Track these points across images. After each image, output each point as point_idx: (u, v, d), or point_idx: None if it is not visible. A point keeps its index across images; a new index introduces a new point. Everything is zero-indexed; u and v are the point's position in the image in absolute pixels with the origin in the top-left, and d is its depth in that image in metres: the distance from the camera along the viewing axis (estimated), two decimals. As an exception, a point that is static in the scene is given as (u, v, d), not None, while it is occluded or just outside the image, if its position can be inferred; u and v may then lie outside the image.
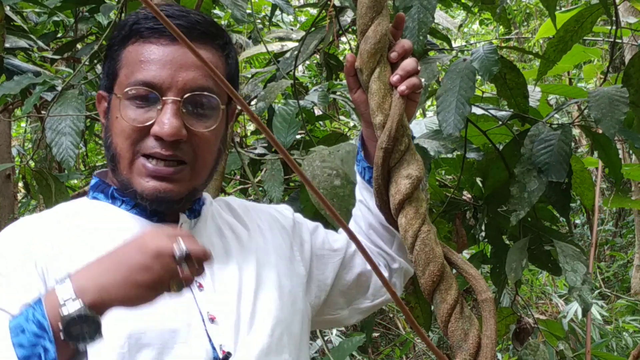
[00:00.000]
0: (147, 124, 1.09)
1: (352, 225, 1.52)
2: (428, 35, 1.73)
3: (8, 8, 2.58)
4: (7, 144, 3.36)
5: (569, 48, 2.03)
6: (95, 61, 2.51)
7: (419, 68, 1.22)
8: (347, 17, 2.40)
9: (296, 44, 2.54)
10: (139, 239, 0.93)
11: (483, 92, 2.53)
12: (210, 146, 1.15)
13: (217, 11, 3.86)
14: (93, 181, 1.22)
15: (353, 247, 1.42)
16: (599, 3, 1.93)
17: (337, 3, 2.19)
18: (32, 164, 4.07)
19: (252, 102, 2.44)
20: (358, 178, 1.42)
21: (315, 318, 1.34)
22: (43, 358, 0.87)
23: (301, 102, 2.32)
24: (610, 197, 3.02)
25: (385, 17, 1.21)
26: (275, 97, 2.23)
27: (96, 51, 2.34)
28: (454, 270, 1.18)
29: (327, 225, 1.52)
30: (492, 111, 2.10)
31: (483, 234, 2.29)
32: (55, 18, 3.22)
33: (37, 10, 3.15)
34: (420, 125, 2.27)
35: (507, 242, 2.25)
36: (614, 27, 2.00)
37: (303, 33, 2.50)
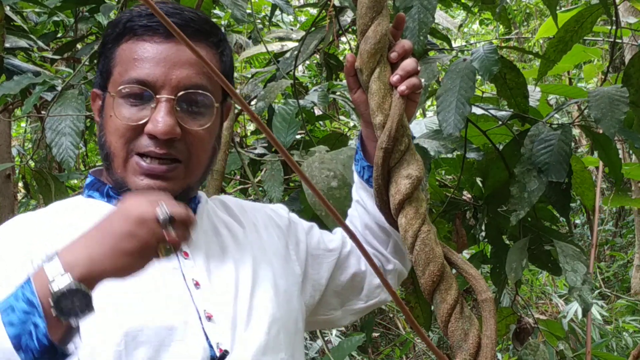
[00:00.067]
0: (141, 122, 1.09)
1: (348, 224, 1.51)
2: (428, 35, 1.73)
3: (8, 8, 2.58)
4: (7, 144, 3.35)
5: (569, 48, 2.02)
6: (95, 61, 2.51)
7: (418, 68, 1.22)
8: (347, 17, 2.40)
9: (296, 44, 2.53)
10: (122, 207, 0.93)
11: (483, 92, 2.53)
12: (204, 144, 1.15)
13: (217, 11, 3.86)
14: (88, 179, 1.22)
15: (348, 247, 1.43)
16: (599, 3, 1.93)
17: (337, 3, 2.19)
18: (32, 164, 4.07)
19: (252, 102, 2.44)
20: (356, 178, 1.42)
21: (309, 318, 1.34)
22: (34, 334, 0.86)
23: (301, 102, 2.32)
24: (610, 197, 3.01)
25: (385, 17, 1.21)
26: (275, 97, 2.23)
27: (96, 51, 2.34)
28: (454, 270, 1.18)
29: (322, 226, 1.52)
30: (492, 111, 2.10)
31: (483, 234, 2.29)
32: (55, 18, 3.22)
33: (37, 10, 3.15)
34: (420, 125, 2.27)
35: (507, 242, 2.25)
36: (614, 27, 2.00)
37: (303, 33, 2.50)
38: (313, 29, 2.29)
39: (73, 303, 0.86)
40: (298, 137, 2.39)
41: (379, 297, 1.46)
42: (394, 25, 1.25)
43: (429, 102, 5.03)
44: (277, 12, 3.94)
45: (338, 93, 2.82)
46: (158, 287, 1.08)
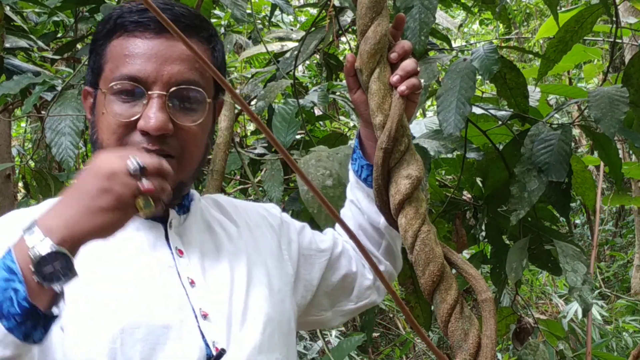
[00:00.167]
0: (133, 118, 1.08)
1: (344, 222, 1.51)
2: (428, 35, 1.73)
3: (8, 8, 2.58)
4: (7, 144, 3.35)
5: (569, 48, 2.02)
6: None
7: (418, 69, 1.22)
8: (347, 17, 2.40)
9: (296, 44, 2.54)
10: (92, 165, 0.91)
11: (483, 92, 2.53)
12: (197, 140, 1.14)
13: (217, 11, 3.85)
14: None
15: (339, 248, 1.43)
16: (599, 3, 1.93)
17: (337, 3, 2.19)
18: (32, 164, 4.07)
19: (252, 102, 2.44)
20: (352, 177, 1.41)
21: (300, 319, 1.34)
22: (14, 299, 0.85)
23: (301, 102, 2.32)
24: (610, 197, 3.02)
25: (385, 18, 1.21)
26: (275, 97, 2.23)
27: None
28: (454, 270, 1.18)
29: (314, 225, 1.52)
30: (492, 111, 2.10)
31: (483, 234, 2.29)
32: (55, 18, 3.22)
33: (37, 10, 3.14)
34: (420, 125, 2.27)
35: (507, 242, 2.25)
36: (614, 27, 2.00)
37: (303, 33, 2.50)
38: (313, 29, 2.29)
39: (54, 268, 0.85)
40: (298, 137, 2.39)
41: (369, 298, 1.46)
42: (394, 25, 1.25)
43: (429, 102, 5.03)
44: (277, 12, 3.94)
45: (338, 93, 2.82)
46: (154, 285, 1.08)
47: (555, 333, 2.53)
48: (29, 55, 2.89)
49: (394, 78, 1.20)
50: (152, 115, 1.07)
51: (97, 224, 0.88)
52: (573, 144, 2.15)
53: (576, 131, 4.49)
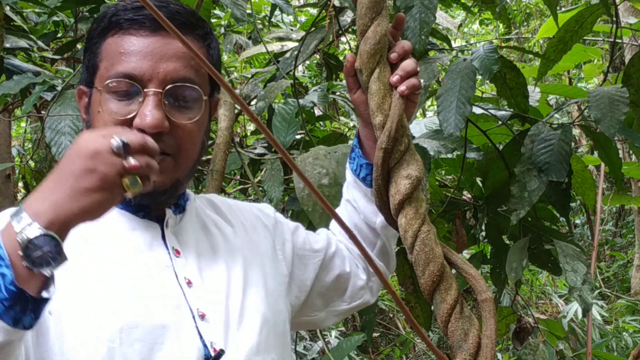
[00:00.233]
0: (129, 116, 1.08)
1: (335, 224, 1.51)
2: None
3: (8, 8, 2.58)
4: (7, 144, 3.35)
5: (569, 48, 2.02)
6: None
7: (418, 69, 1.22)
8: (347, 17, 2.40)
9: (296, 44, 2.54)
10: (75, 145, 0.89)
11: (483, 92, 2.53)
12: (193, 138, 1.14)
13: (217, 11, 3.85)
14: None
15: (332, 248, 1.43)
16: (599, 3, 1.93)
17: (337, 3, 2.19)
18: (32, 164, 4.08)
19: (252, 102, 2.44)
20: (350, 176, 1.41)
21: (293, 320, 1.33)
22: (1, 284, 0.84)
23: (301, 102, 2.32)
24: (610, 196, 3.02)
25: (384, 18, 1.21)
26: (275, 97, 2.23)
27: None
28: (454, 270, 1.18)
29: (308, 225, 1.52)
30: (492, 111, 2.10)
31: (483, 234, 2.29)
32: (55, 18, 3.22)
33: (37, 10, 3.14)
34: (420, 125, 2.27)
35: (507, 242, 2.25)
36: (614, 27, 2.00)
37: (303, 33, 2.50)
38: (313, 29, 2.29)
39: (43, 252, 0.84)
40: (298, 137, 2.39)
41: (362, 298, 1.46)
42: (394, 25, 1.25)
43: (429, 102, 5.03)
44: (277, 12, 3.93)
45: (338, 93, 2.82)
46: (151, 285, 1.08)
47: (555, 333, 2.53)
48: (29, 55, 2.89)
49: (394, 78, 1.20)
50: (148, 112, 1.07)
51: (84, 206, 0.86)
52: (573, 144, 2.15)
53: (576, 131, 4.49)
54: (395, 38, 1.25)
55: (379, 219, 1.37)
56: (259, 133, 2.96)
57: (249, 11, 2.47)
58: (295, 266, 1.35)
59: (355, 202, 1.40)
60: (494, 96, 2.37)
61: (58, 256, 0.85)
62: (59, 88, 2.06)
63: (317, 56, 3.24)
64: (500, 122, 2.07)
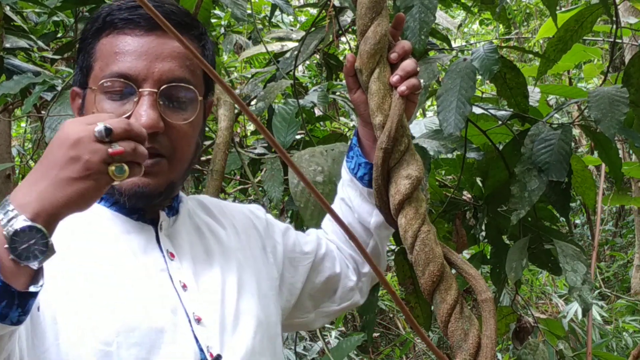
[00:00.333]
0: (124, 117, 1.06)
1: (327, 223, 1.51)
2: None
3: (8, 8, 2.58)
4: (7, 144, 3.35)
5: (569, 47, 2.02)
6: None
7: (418, 69, 1.22)
8: (347, 17, 2.40)
9: (296, 44, 2.53)
10: (58, 134, 0.87)
11: (483, 92, 2.53)
12: (188, 139, 1.13)
13: (217, 11, 3.85)
14: None
15: (323, 250, 1.42)
16: (599, 3, 1.93)
17: (337, 3, 2.19)
18: (32, 164, 4.07)
19: (252, 102, 2.44)
20: (346, 174, 1.40)
21: (283, 322, 1.33)
22: None
23: (301, 102, 2.32)
24: (610, 196, 3.02)
25: (384, 18, 1.21)
26: (275, 97, 2.23)
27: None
28: (454, 270, 1.18)
29: (298, 226, 1.51)
30: (492, 111, 2.10)
31: (483, 234, 2.29)
32: (55, 18, 3.22)
33: (37, 10, 3.14)
34: (420, 125, 2.27)
35: (507, 242, 2.25)
36: (614, 27, 2.00)
37: (303, 33, 2.50)
38: (313, 29, 2.29)
39: (29, 244, 0.82)
40: (298, 137, 2.39)
41: (352, 299, 1.45)
42: (393, 25, 1.25)
43: (429, 102, 5.03)
44: (277, 12, 3.93)
45: (338, 93, 2.82)
46: (147, 289, 1.07)
47: (555, 332, 2.53)
48: (29, 55, 2.89)
49: (394, 78, 1.20)
50: (143, 112, 1.06)
51: (70, 195, 0.84)
52: (573, 144, 2.15)
53: (576, 131, 4.49)
54: (395, 38, 1.25)
55: (373, 219, 1.37)
56: (259, 133, 2.96)
57: (249, 11, 2.47)
58: (286, 269, 1.35)
59: (350, 201, 1.40)
60: (494, 96, 2.37)
61: (45, 248, 0.83)
62: (59, 88, 2.06)
63: (317, 56, 3.24)
64: (500, 122, 2.07)
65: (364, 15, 1.21)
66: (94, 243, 1.09)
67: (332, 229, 1.48)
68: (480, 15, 6.96)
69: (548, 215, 2.22)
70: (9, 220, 0.82)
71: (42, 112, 3.07)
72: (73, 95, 1.18)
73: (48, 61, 3.11)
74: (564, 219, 2.13)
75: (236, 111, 2.25)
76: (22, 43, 2.59)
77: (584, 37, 2.14)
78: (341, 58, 3.12)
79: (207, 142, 2.63)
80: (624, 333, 5.39)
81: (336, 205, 1.45)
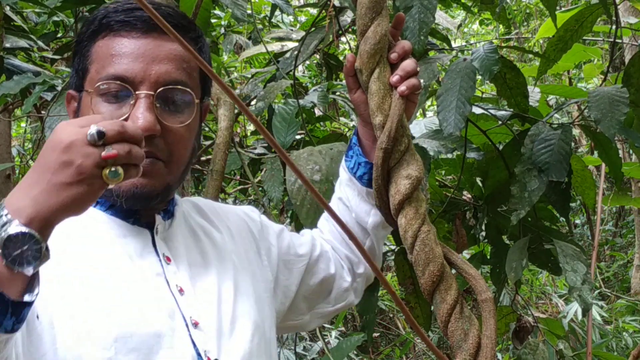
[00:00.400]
0: (121, 119, 1.04)
1: (323, 222, 1.51)
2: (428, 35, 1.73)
3: (8, 8, 2.58)
4: (7, 144, 3.35)
5: (569, 47, 2.02)
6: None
7: (418, 69, 1.22)
8: (347, 17, 2.40)
9: (296, 44, 2.54)
10: (51, 137, 0.85)
11: (483, 92, 2.53)
12: (184, 142, 1.12)
13: (217, 11, 3.85)
14: None
15: (317, 251, 1.41)
16: (599, 3, 1.93)
17: (337, 3, 2.19)
18: (32, 164, 4.07)
19: (252, 102, 2.44)
20: (344, 174, 1.40)
21: (278, 324, 1.32)
22: None
23: (301, 102, 2.32)
24: (610, 197, 3.01)
25: (384, 18, 1.21)
26: (275, 97, 2.23)
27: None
28: (454, 270, 1.18)
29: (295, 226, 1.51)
30: (492, 111, 2.10)
31: (483, 234, 2.29)
32: (55, 18, 3.22)
33: (37, 10, 3.14)
34: (420, 125, 2.27)
35: (507, 242, 2.25)
36: (614, 27, 2.00)
37: (303, 33, 2.50)
38: (313, 29, 2.29)
39: (22, 249, 0.80)
40: (298, 137, 2.39)
41: (347, 300, 1.45)
42: (393, 25, 1.25)
43: (429, 102, 5.03)
44: (277, 12, 3.93)
45: (338, 93, 2.82)
46: (144, 293, 1.06)
47: (555, 332, 2.53)
48: (29, 55, 2.89)
49: (394, 78, 1.20)
50: (139, 115, 1.05)
51: (63, 200, 0.82)
52: (573, 144, 2.15)
53: (576, 131, 4.49)
54: (394, 38, 1.25)
55: (371, 219, 1.36)
56: (259, 133, 2.96)
57: (249, 11, 2.47)
58: (280, 272, 1.34)
59: (348, 200, 1.39)
60: (494, 96, 2.37)
61: (39, 254, 0.82)
62: (59, 88, 2.06)
63: (317, 56, 3.24)
64: (500, 122, 2.07)
65: (364, 15, 1.21)
66: (89, 247, 1.08)
67: (329, 229, 1.47)
68: (480, 15, 6.96)
69: (548, 215, 2.22)
70: (2, 226, 0.81)
71: (42, 112, 3.08)
72: (68, 99, 1.17)
73: (48, 61, 3.11)
74: (564, 219, 2.13)
75: (236, 111, 2.25)
76: (22, 43, 2.59)
77: (584, 37, 2.14)
78: (341, 58, 3.12)
79: (207, 142, 2.63)
80: (624, 333, 5.39)
81: (333, 205, 1.45)
